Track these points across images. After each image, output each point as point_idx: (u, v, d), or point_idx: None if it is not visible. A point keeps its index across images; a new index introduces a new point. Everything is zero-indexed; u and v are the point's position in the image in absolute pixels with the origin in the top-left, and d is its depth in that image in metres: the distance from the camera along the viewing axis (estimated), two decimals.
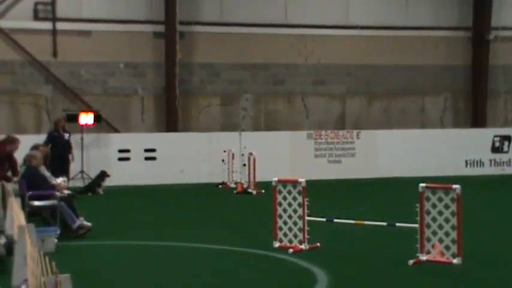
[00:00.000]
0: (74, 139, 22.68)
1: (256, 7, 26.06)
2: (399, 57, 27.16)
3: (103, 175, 21.10)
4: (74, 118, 22.75)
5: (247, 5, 26.03)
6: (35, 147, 14.66)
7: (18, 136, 16.10)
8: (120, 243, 12.39)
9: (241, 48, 25.91)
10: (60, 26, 24.34)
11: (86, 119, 22.71)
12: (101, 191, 20.80)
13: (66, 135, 20.64)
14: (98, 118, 23.05)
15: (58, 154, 19.39)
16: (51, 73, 24.35)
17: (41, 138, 19.84)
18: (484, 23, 27.53)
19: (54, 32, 24.33)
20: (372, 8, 27.04)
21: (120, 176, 21.90)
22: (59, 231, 12.21)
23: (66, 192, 13.74)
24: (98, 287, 9.15)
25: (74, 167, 22.20)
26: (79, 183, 21.59)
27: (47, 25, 24.28)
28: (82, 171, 22.34)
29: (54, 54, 24.37)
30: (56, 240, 11.56)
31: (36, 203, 12.84)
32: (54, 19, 24.32)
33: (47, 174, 14.21)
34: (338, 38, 26.69)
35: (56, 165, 18.81)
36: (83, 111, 23.16)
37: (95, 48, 24.57)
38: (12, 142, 15.11)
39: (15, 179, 14.11)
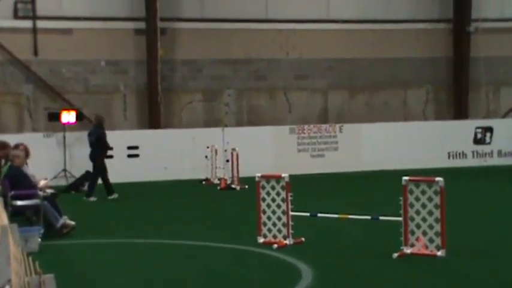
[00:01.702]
0: (56, 138, 22.65)
1: (237, 2, 26.04)
2: (381, 50, 27.21)
3: (88, 175, 20.98)
4: (55, 117, 22.66)
5: (228, 0, 25.99)
6: (16, 146, 14.55)
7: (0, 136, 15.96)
8: (104, 242, 12.35)
9: (222, 44, 25.88)
10: (40, 24, 24.20)
11: (68, 117, 22.60)
12: (84, 189, 20.70)
13: (89, 137, 19.67)
14: (80, 116, 22.95)
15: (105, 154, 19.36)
16: (32, 72, 24.21)
17: (23, 137, 19.69)
18: (465, 15, 27.65)
19: (34, 30, 24.19)
20: (352, 2, 27.09)
21: None
22: (42, 231, 12.15)
23: (49, 191, 13.66)
24: (82, 286, 9.12)
25: (57, 166, 22.16)
26: (62, 182, 21.49)
27: (27, 23, 24.13)
28: (65, 170, 22.25)
29: (35, 52, 24.23)
30: (39, 239, 11.51)
31: (19, 202, 12.75)
32: (34, 17, 24.18)
33: (30, 173, 14.13)
34: (319, 32, 26.71)
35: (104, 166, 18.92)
36: (65, 109, 23.04)
37: (75, 46, 24.46)
38: (3, 148, 14.93)
39: None
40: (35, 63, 24.26)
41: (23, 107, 24.35)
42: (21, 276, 4.96)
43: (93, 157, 19.29)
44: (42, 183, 13.54)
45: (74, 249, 11.76)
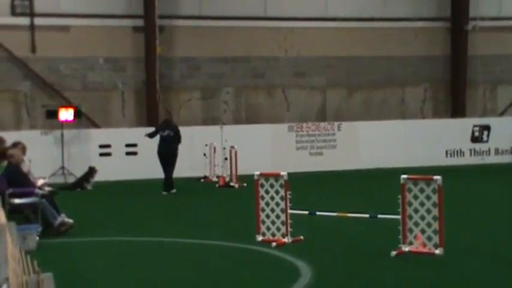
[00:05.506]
0: (54, 136, 22.63)
1: (235, 0, 26.01)
2: (379, 48, 27.20)
3: (92, 171, 20.99)
4: (53, 114, 22.64)
5: None
6: (14, 144, 14.52)
7: None
8: (102, 240, 12.34)
9: (221, 41, 25.86)
10: (38, 21, 24.16)
11: (66, 114, 22.59)
12: (89, 186, 20.73)
13: (165, 132, 19.53)
14: (78, 114, 22.94)
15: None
16: (30, 69, 24.18)
17: (21, 134, 19.67)
18: (462, 14, 27.65)
19: (32, 27, 24.16)
20: (350, 0, 27.06)
21: (102, 171, 21.75)
22: (40, 229, 12.14)
23: (47, 189, 13.65)
24: (81, 285, 9.11)
25: (55, 164, 22.14)
26: (60, 180, 21.48)
27: (25, 20, 24.10)
28: (63, 167, 22.24)
29: (33, 49, 24.20)
30: (37, 237, 11.50)
31: (17, 200, 12.73)
32: (32, 14, 24.14)
33: (28, 170, 14.11)
34: (317, 30, 26.69)
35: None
36: (63, 106, 23.03)
37: (73, 43, 24.42)
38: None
39: None
40: (33, 60, 24.22)
41: (21, 104, 24.31)
42: (19, 275, 4.94)
43: (173, 151, 19.27)
44: (40, 182, 13.53)
45: (72, 248, 11.74)
